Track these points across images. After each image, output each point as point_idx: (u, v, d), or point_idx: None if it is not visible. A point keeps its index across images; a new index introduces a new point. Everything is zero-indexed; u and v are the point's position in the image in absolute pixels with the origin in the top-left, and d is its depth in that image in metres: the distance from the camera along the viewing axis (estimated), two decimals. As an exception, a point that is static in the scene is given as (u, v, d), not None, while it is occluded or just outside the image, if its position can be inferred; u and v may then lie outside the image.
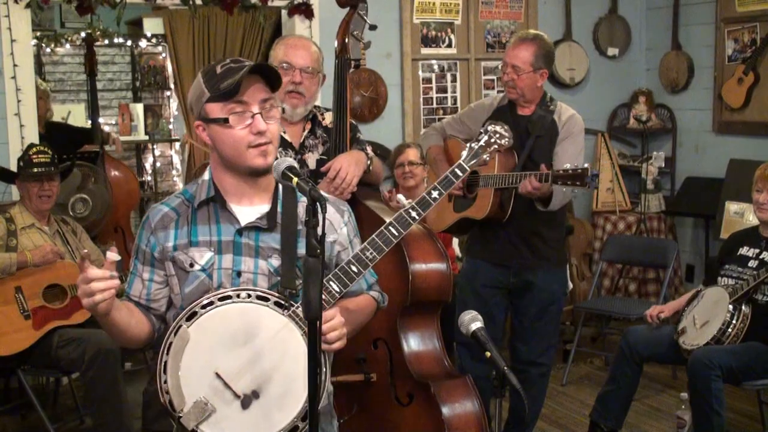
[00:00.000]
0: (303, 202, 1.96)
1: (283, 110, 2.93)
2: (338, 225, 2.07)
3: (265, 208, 1.98)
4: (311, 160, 3.01)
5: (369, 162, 2.96)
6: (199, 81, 1.94)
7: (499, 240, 3.57)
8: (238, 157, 1.92)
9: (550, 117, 3.52)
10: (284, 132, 3.02)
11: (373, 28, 3.12)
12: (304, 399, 1.80)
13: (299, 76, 2.91)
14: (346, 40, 3.02)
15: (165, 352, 1.82)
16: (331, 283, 1.93)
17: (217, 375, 1.80)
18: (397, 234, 2.06)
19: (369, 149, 3.04)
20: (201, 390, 1.79)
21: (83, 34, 6.36)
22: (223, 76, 1.89)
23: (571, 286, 4.03)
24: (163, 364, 1.81)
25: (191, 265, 1.93)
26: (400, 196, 2.20)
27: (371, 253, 1.99)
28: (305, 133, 3.03)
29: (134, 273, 2.01)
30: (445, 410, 2.60)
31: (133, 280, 2.01)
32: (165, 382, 1.80)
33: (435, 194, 2.19)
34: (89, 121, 5.87)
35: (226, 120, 1.90)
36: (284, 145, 3.00)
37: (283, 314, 1.85)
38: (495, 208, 3.46)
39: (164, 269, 1.98)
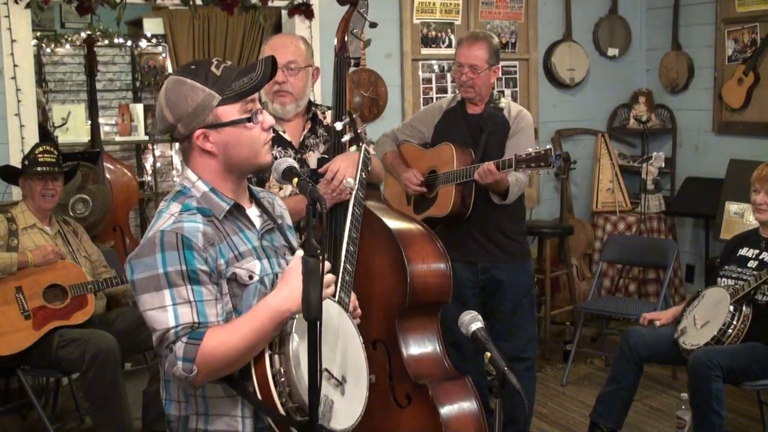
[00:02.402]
0: (262, 198, 2.05)
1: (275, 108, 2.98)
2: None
3: (256, 209, 1.99)
4: (312, 159, 3.00)
5: (368, 162, 2.95)
6: (194, 89, 1.82)
7: (463, 238, 3.63)
8: (254, 158, 1.87)
9: (500, 113, 3.60)
10: (284, 131, 3.01)
11: (373, 25, 3.12)
12: (367, 376, 2.00)
13: (282, 76, 2.90)
14: (346, 38, 3.01)
15: (289, 363, 1.75)
16: (348, 265, 2.17)
17: (325, 369, 1.84)
18: None
19: (371, 149, 3.03)
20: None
21: (83, 35, 6.35)
22: (229, 76, 1.83)
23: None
24: (284, 375, 1.76)
25: (250, 278, 1.85)
26: None
27: None
28: (305, 132, 3.02)
29: (197, 299, 1.77)
30: (443, 412, 2.59)
31: (203, 307, 1.77)
32: (289, 394, 1.75)
33: None
34: (88, 122, 5.86)
35: (249, 119, 1.84)
36: (284, 144, 2.98)
37: (333, 301, 2.02)
38: (457, 204, 3.53)
39: (219, 288, 1.82)
